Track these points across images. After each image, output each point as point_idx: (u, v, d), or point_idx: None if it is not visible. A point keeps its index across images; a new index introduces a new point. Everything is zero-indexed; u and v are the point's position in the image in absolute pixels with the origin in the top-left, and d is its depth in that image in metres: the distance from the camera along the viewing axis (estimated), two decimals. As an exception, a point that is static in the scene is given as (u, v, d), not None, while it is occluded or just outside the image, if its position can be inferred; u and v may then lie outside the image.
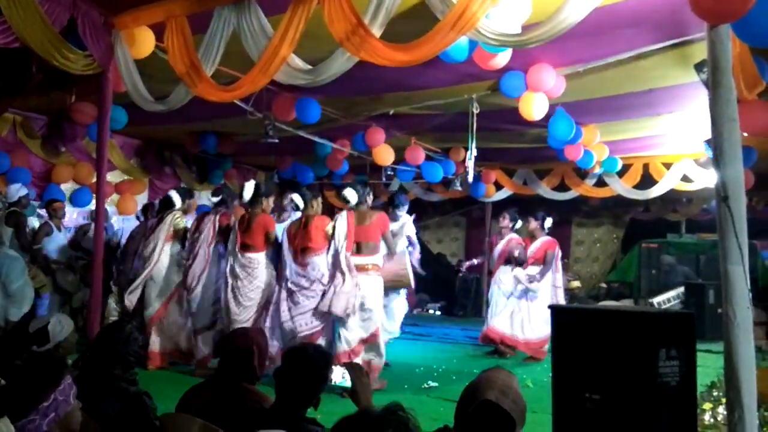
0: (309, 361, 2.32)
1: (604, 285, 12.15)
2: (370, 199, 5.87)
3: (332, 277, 5.34)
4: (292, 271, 5.51)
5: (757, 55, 3.87)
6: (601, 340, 2.62)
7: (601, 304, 8.78)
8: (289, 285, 5.48)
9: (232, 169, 10.01)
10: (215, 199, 6.19)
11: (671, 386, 2.44)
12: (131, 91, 4.70)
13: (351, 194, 5.61)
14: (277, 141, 6.44)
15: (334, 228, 5.46)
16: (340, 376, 2.41)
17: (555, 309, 2.98)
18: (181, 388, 2.72)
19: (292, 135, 6.86)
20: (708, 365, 4.94)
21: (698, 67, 3.89)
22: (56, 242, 6.83)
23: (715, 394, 4.64)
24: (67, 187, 7.73)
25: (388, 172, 9.19)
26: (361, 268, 5.42)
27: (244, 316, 5.62)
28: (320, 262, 5.45)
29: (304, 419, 2.26)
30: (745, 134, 3.59)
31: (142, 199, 8.86)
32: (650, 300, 10.03)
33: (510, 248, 7.37)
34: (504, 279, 7.40)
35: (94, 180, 5.38)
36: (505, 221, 7.55)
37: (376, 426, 1.60)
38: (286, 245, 5.61)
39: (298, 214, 5.85)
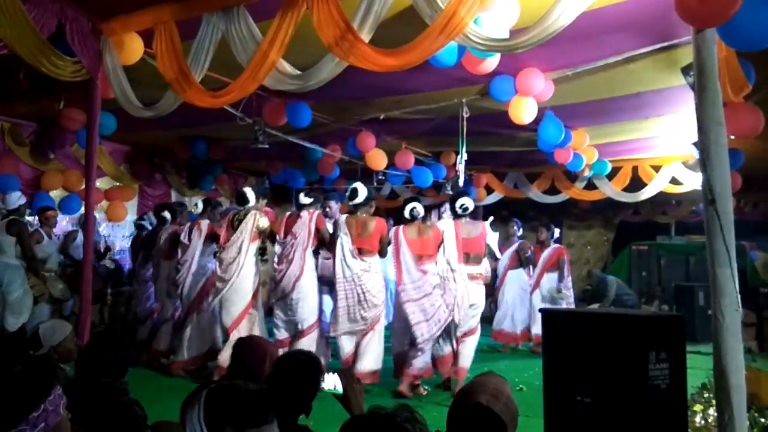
0: (301, 368, 2.32)
1: (589, 287, 12.23)
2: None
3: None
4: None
5: (742, 58, 3.90)
6: (591, 343, 2.62)
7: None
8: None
9: (223, 174, 9.98)
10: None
11: (661, 389, 2.45)
12: (120, 97, 4.68)
13: (470, 203, 5.81)
14: (267, 146, 6.43)
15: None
16: (331, 384, 2.39)
17: (546, 312, 2.99)
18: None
19: (282, 140, 6.85)
20: (699, 367, 4.96)
21: (685, 70, 3.94)
22: (47, 250, 6.77)
23: (705, 395, 4.65)
24: (56, 194, 7.67)
25: (380, 177, 9.20)
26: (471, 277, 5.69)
27: (372, 313, 5.59)
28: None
29: (297, 427, 2.25)
30: (732, 137, 3.62)
31: (131, 205, 8.82)
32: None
33: (520, 250, 8.09)
34: (519, 281, 7.99)
35: (83, 187, 5.35)
36: (513, 229, 8.22)
37: (389, 425, 1.60)
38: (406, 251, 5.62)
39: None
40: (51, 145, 7.28)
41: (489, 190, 10.25)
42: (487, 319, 10.92)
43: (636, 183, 9.07)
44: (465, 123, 6.02)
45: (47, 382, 1.80)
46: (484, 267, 5.92)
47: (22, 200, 6.43)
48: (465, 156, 6.24)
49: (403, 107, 6.28)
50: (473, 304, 5.62)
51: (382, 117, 6.61)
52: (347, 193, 5.78)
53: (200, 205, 6.80)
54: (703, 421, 4.04)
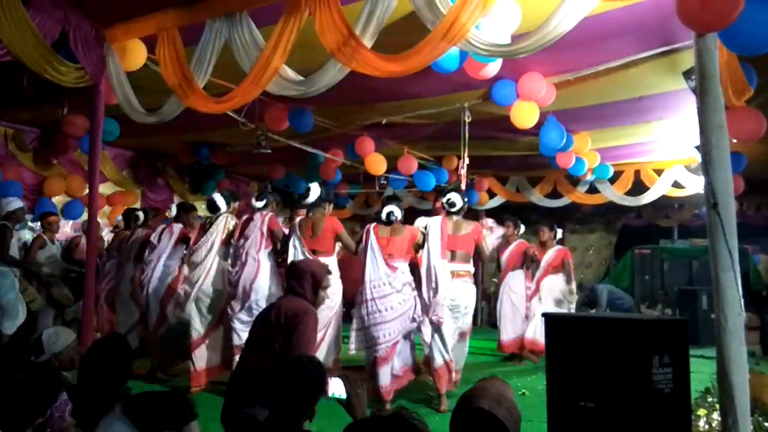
0: (303, 372, 2.32)
1: (586, 298, 12.22)
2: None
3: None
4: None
5: (744, 62, 3.91)
6: (594, 347, 2.62)
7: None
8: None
9: (225, 179, 10.00)
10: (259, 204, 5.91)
11: (665, 393, 2.45)
12: (123, 103, 4.70)
13: (457, 199, 5.54)
14: (269, 151, 6.44)
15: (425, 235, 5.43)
16: (336, 388, 2.39)
17: (549, 317, 2.99)
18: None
19: (284, 145, 6.87)
20: (703, 371, 4.95)
21: (686, 74, 3.94)
22: (50, 255, 6.79)
23: (709, 400, 4.63)
24: (58, 200, 7.69)
25: (381, 181, 9.21)
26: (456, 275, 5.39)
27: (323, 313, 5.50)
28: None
29: (300, 431, 2.25)
30: (734, 141, 3.62)
31: (134, 210, 8.84)
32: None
33: (527, 249, 7.68)
34: (514, 285, 7.60)
35: (86, 192, 5.36)
36: (510, 229, 7.70)
37: (399, 423, 1.61)
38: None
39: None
40: (54, 151, 7.30)
41: (491, 194, 10.25)
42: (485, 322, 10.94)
43: (638, 187, 9.06)
44: (467, 127, 6.03)
45: (54, 388, 1.80)
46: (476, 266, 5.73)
47: (18, 204, 6.42)
48: (467, 160, 6.25)
49: (405, 112, 6.29)
50: (457, 305, 5.31)
51: (384, 122, 6.62)
52: (299, 194, 5.77)
53: (174, 210, 6.80)
54: (706, 426, 4.03)
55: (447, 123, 6.38)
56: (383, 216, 5.45)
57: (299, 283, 3.43)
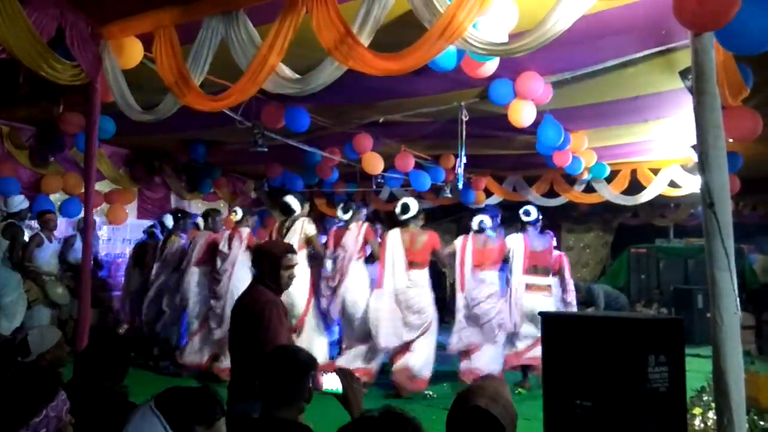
0: (284, 359, 2.32)
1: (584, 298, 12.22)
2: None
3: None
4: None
5: (741, 62, 3.91)
6: (591, 346, 2.63)
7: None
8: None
9: (222, 177, 9.99)
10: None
11: (661, 392, 2.45)
12: (119, 101, 4.68)
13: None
14: (266, 150, 6.43)
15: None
16: (332, 383, 2.39)
17: (545, 316, 2.99)
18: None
19: (281, 143, 6.86)
20: (698, 370, 4.95)
21: (683, 74, 3.94)
22: (47, 254, 6.77)
23: (705, 398, 4.65)
24: (56, 198, 7.68)
25: (378, 180, 9.21)
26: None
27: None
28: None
29: (295, 424, 2.25)
30: (731, 140, 3.63)
31: (131, 208, 8.83)
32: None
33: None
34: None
35: (83, 190, 5.35)
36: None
37: (398, 419, 1.61)
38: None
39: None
40: (50, 149, 7.27)
41: (488, 193, 10.26)
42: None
43: (635, 186, 9.07)
44: (464, 126, 6.04)
45: (51, 388, 1.79)
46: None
47: (25, 204, 6.42)
48: (464, 159, 6.25)
49: (402, 111, 6.29)
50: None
51: (381, 120, 6.62)
52: (399, 208, 5.93)
53: (240, 213, 6.66)
54: (702, 425, 4.04)
55: (444, 122, 6.38)
56: (475, 226, 6.01)
57: (258, 268, 3.32)
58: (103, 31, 4.48)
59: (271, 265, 3.21)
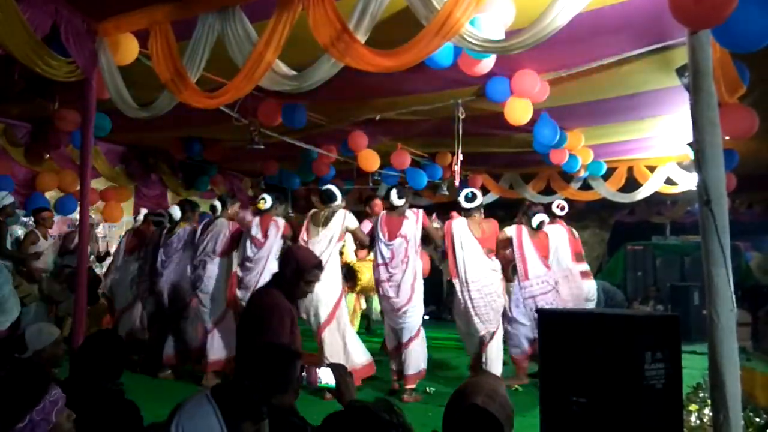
0: (276, 351, 2.37)
1: None
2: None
3: None
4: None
5: (737, 59, 3.91)
6: (587, 343, 2.63)
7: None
8: None
9: (218, 175, 9.97)
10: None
11: (657, 389, 2.45)
12: (115, 98, 4.66)
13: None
14: (262, 147, 6.41)
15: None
16: (325, 377, 2.41)
17: (542, 313, 2.99)
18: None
19: (277, 141, 6.84)
20: (694, 366, 4.96)
21: (680, 71, 3.94)
22: (43, 251, 6.74)
23: (701, 395, 4.65)
24: (51, 195, 7.65)
25: (375, 177, 9.20)
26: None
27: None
28: None
29: (287, 410, 2.27)
30: (727, 138, 3.63)
31: (127, 206, 8.80)
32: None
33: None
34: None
35: (79, 187, 5.33)
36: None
37: (369, 420, 1.61)
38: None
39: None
40: (46, 146, 7.25)
41: (485, 191, 10.25)
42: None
43: (631, 183, 9.09)
44: (461, 124, 6.03)
45: (35, 392, 1.74)
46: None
47: (9, 200, 6.37)
48: (461, 157, 6.25)
49: (398, 108, 6.28)
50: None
51: (377, 118, 6.60)
52: (464, 197, 5.89)
53: (269, 200, 6.02)
54: (698, 421, 4.05)
55: (441, 119, 6.38)
56: (534, 224, 5.98)
57: (283, 268, 3.35)
58: (99, 27, 4.46)
59: (295, 272, 3.26)
